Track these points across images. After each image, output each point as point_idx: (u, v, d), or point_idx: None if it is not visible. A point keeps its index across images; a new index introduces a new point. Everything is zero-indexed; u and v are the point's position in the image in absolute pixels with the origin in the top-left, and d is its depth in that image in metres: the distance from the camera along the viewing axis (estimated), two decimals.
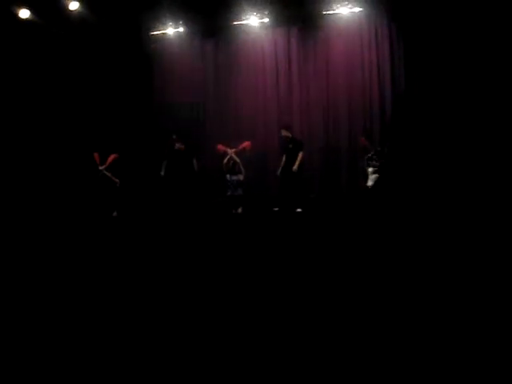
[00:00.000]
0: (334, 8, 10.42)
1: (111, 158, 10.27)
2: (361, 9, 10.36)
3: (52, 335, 3.60)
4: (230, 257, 6.22)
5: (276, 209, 9.73)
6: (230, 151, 9.95)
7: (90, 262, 6.19)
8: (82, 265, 6.00)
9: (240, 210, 9.91)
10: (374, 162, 9.09)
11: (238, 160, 9.93)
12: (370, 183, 9.18)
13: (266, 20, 10.87)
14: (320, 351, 3.05)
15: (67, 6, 10.47)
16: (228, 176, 9.97)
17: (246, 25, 11.00)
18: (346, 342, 3.19)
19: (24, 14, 10.53)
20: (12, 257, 6.50)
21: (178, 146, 10.29)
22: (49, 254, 6.70)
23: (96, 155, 10.27)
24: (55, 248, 7.11)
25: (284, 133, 9.86)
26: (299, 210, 9.53)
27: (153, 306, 4.22)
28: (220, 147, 10.10)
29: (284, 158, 9.83)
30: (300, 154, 9.60)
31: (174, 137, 10.33)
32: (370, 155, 9.19)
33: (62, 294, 4.72)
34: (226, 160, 9.97)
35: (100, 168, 10.21)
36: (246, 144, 10.00)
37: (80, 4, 10.47)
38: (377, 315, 3.74)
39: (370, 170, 9.16)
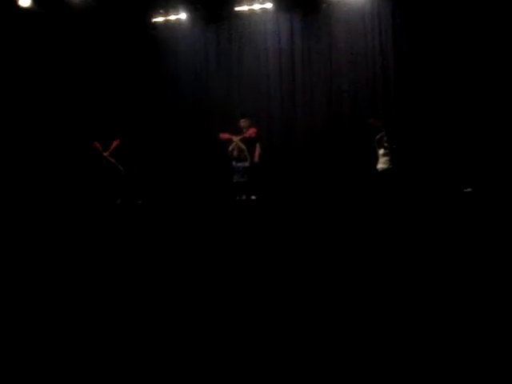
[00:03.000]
0: None
1: (114, 144, 10.15)
2: None
3: (52, 327, 3.48)
4: (234, 245, 6.09)
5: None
6: (236, 138, 9.78)
7: (94, 250, 6.06)
8: (85, 253, 5.87)
9: (244, 197, 9.75)
10: (384, 144, 8.89)
11: (243, 147, 9.76)
12: (380, 166, 8.97)
13: (269, 6, 10.76)
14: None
15: None
16: (234, 163, 9.81)
17: (248, 11, 10.85)
18: (351, 338, 3.06)
19: (24, 2, 10.35)
20: (14, 246, 6.35)
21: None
22: (51, 242, 6.55)
23: (97, 144, 10.13)
24: (58, 236, 6.96)
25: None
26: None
27: (155, 295, 4.12)
28: (223, 135, 9.93)
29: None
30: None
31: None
32: (379, 136, 8.98)
33: (63, 283, 4.58)
34: (231, 147, 9.81)
35: (104, 154, 10.08)
36: (252, 131, 9.82)
37: None
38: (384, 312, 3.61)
39: (381, 151, 8.96)
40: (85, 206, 9.74)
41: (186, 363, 2.84)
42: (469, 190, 8.55)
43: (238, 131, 9.82)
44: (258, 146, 9.72)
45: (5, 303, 4.06)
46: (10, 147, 10.47)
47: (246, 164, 9.75)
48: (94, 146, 10.21)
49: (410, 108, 9.79)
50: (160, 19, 11.32)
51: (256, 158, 9.68)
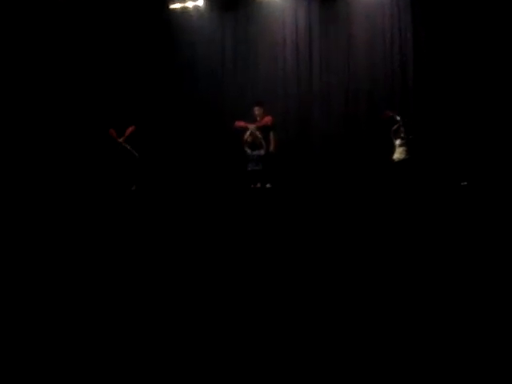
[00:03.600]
0: None
1: (129, 130, 10.17)
2: None
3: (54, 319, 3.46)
4: (247, 234, 6.07)
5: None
6: (251, 126, 9.74)
7: (106, 237, 6.08)
8: (97, 240, 5.88)
9: (259, 185, 9.73)
10: (401, 134, 8.81)
11: (259, 135, 9.72)
12: (396, 156, 8.90)
13: None
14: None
15: None
16: (249, 151, 9.78)
17: None
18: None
19: None
20: (27, 232, 6.39)
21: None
22: (65, 230, 6.57)
23: (112, 130, 10.18)
24: (72, 224, 6.99)
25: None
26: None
27: (167, 285, 4.10)
28: (239, 123, 9.89)
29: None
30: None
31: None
32: (396, 127, 8.90)
33: (72, 271, 4.58)
34: (247, 135, 9.78)
35: (119, 141, 10.12)
36: (268, 119, 9.77)
37: None
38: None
39: (398, 142, 8.89)
40: (100, 192, 9.78)
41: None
42: (465, 183, 8.55)
43: (252, 119, 9.79)
44: (272, 135, 9.66)
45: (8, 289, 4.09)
46: (26, 134, 10.55)
47: (262, 152, 9.71)
48: (109, 133, 10.22)
49: (427, 102, 9.69)
50: (177, 6, 11.27)
51: (271, 148, 9.65)
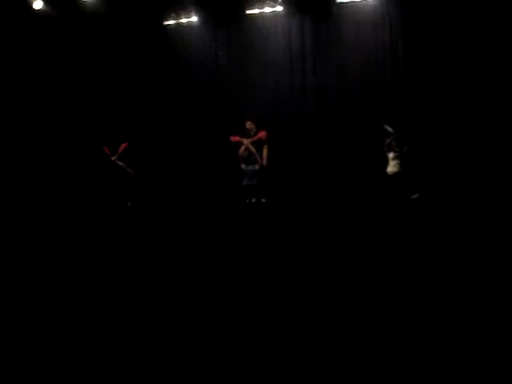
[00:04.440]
0: None
1: (122, 147, 10.22)
2: None
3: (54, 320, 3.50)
4: (242, 248, 6.10)
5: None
6: (246, 141, 9.79)
7: (102, 252, 6.10)
8: (93, 255, 5.91)
9: (254, 200, 9.76)
10: (394, 148, 8.83)
11: (253, 150, 9.76)
12: (390, 169, 8.92)
13: (280, 8, 10.75)
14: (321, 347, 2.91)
15: None
16: (244, 166, 9.81)
17: (259, 14, 10.85)
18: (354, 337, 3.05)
19: (38, 5, 10.48)
20: (23, 249, 6.41)
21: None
22: (60, 246, 6.60)
23: (106, 148, 10.23)
24: (67, 240, 7.01)
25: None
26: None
27: (160, 297, 4.14)
28: (234, 138, 9.93)
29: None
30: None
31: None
32: (390, 140, 8.92)
33: (70, 285, 4.60)
34: (241, 150, 9.82)
35: (112, 158, 10.15)
36: (262, 134, 9.81)
37: None
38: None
39: (391, 155, 8.90)
40: (95, 209, 9.81)
41: (185, 362, 2.83)
42: (416, 196, 8.66)
43: (247, 134, 9.84)
44: (265, 148, 9.72)
45: (5, 306, 4.10)
46: (19, 151, 10.58)
47: (256, 167, 9.75)
48: (103, 150, 10.26)
49: (419, 111, 9.71)
50: (171, 22, 11.35)
51: (264, 161, 9.69)
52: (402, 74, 10.13)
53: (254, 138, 9.77)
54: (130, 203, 10.15)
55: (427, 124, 9.52)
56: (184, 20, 11.27)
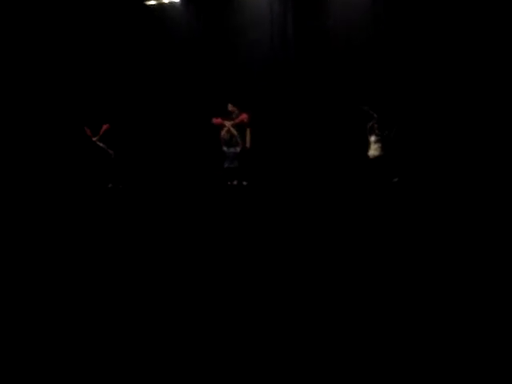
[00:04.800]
0: None
1: (103, 128, 10.09)
2: None
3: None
4: (225, 231, 6.07)
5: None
6: (228, 123, 9.74)
7: (86, 235, 6.04)
8: (76, 238, 5.84)
9: (236, 182, 9.75)
10: (376, 131, 8.85)
11: (235, 132, 9.72)
12: (371, 152, 8.95)
13: None
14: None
15: None
16: (225, 148, 9.77)
17: None
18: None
19: None
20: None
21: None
22: (43, 228, 6.53)
23: (87, 129, 10.11)
24: (49, 222, 6.94)
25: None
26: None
27: (146, 284, 4.08)
28: (216, 120, 9.88)
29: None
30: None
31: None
32: (372, 123, 8.93)
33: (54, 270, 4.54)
34: (223, 132, 9.77)
35: (93, 139, 10.04)
36: (244, 116, 9.76)
37: None
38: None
39: (373, 138, 8.92)
40: (76, 190, 9.72)
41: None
42: (395, 179, 8.74)
43: (229, 116, 9.78)
44: (248, 131, 9.69)
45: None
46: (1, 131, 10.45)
47: (238, 149, 9.72)
48: (84, 131, 10.14)
49: (402, 95, 9.69)
50: (153, 2, 11.18)
51: (247, 144, 9.68)
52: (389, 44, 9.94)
53: (236, 121, 9.73)
54: (110, 185, 10.06)
55: (409, 107, 9.49)
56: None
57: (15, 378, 2.66)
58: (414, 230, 5.53)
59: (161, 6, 11.23)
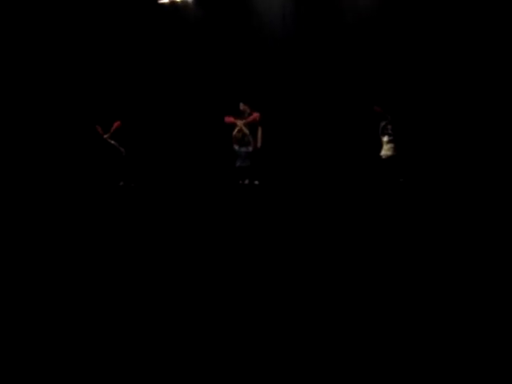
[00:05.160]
0: None
1: (115, 126, 10.11)
2: None
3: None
4: (237, 230, 6.04)
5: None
6: (240, 122, 9.73)
7: (97, 233, 6.04)
8: (89, 235, 5.84)
9: (247, 182, 9.73)
10: (389, 131, 8.79)
11: (247, 131, 9.72)
12: (384, 152, 8.90)
13: None
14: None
15: None
16: (237, 147, 9.76)
17: None
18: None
19: None
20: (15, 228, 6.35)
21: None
22: (54, 226, 6.53)
23: (98, 126, 10.13)
24: (61, 220, 6.95)
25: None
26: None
27: (156, 280, 4.05)
28: (228, 119, 9.87)
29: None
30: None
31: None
32: (384, 123, 8.88)
33: (64, 267, 4.53)
34: (235, 131, 9.77)
35: (104, 137, 10.07)
36: (256, 115, 9.75)
37: None
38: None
39: (385, 138, 8.87)
40: (88, 188, 9.74)
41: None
42: (401, 180, 8.72)
43: (241, 115, 9.77)
44: (259, 130, 9.67)
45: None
46: (11, 130, 10.49)
47: (250, 149, 9.71)
48: (95, 129, 10.16)
49: (414, 97, 9.64)
50: (165, 0, 11.21)
51: (258, 143, 9.65)
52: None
53: (248, 120, 9.72)
54: (122, 183, 10.08)
55: (422, 109, 9.44)
56: None
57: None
58: (421, 230, 5.47)
59: (173, 4, 11.24)
